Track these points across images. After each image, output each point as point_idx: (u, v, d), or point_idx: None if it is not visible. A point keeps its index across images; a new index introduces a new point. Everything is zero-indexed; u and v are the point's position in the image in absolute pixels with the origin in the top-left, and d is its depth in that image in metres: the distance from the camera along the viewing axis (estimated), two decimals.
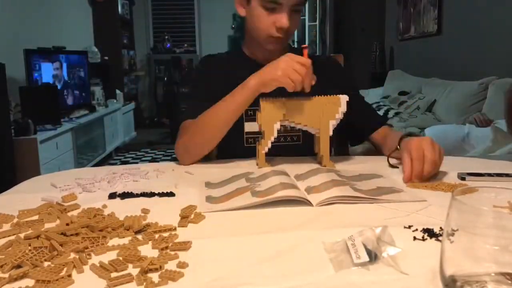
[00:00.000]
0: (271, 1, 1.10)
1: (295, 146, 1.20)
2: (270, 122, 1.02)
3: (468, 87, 3.36)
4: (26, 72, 3.56)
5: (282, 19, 1.11)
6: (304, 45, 1.10)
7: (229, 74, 1.19)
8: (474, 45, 3.62)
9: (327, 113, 1.02)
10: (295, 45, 6.88)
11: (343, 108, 1.02)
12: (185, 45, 7.46)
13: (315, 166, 0.98)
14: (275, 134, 1.03)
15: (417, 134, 1.09)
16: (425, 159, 0.91)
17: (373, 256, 0.54)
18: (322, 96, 1.04)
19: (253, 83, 1.05)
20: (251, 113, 1.18)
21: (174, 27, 7.43)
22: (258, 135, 1.19)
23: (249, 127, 1.19)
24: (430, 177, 0.92)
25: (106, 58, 5.42)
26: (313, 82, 1.02)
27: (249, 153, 1.14)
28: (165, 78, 6.75)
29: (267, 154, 1.05)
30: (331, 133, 1.04)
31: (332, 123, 1.03)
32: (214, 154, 1.24)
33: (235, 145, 1.19)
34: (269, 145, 1.03)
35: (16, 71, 3.51)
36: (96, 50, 5.30)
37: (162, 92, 6.75)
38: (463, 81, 3.51)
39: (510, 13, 3.14)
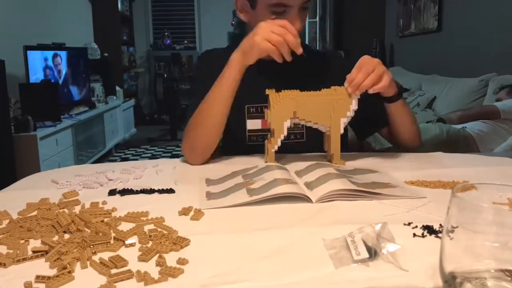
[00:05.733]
0: (280, 4, 1.05)
1: (300, 143, 1.19)
2: (280, 119, 1.00)
3: (468, 83, 3.36)
4: (26, 68, 3.56)
5: (296, 23, 1.05)
6: (272, 18, 1.04)
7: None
8: (474, 42, 3.61)
9: (338, 110, 1.01)
10: None
11: (354, 106, 1.01)
12: (185, 41, 7.46)
13: (314, 161, 0.97)
14: (285, 132, 1.01)
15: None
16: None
17: (372, 253, 0.54)
18: (332, 88, 1.02)
19: (235, 57, 1.04)
20: (253, 110, 1.18)
21: (174, 23, 7.42)
22: (261, 133, 1.18)
23: (252, 124, 1.18)
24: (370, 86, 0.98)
25: (106, 54, 5.42)
26: (299, 41, 0.98)
27: (252, 150, 1.13)
28: (165, 75, 6.74)
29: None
30: (342, 131, 1.02)
31: (343, 121, 1.01)
32: (216, 153, 1.24)
33: (237, 143, 1.18)
34: (279, 143, 1.01)
35: (15, 67, 3.50)
36: (95, 46, 5.29)
37: (162, 88, 6.74)
38: (463, 78, 3.50)
39: (510, 9, 3.14)
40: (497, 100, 2.83)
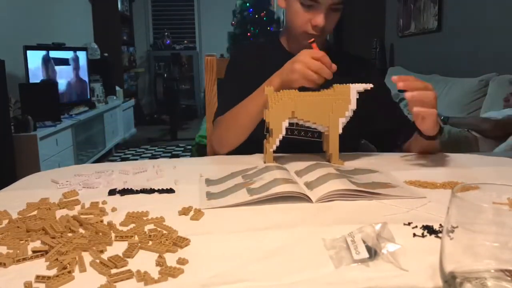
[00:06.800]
0: None
1: (315, 142, 1.18)
2: (279, 119, 1.00)
3: (468, 83, 3.36)
4: (26, 68, 3.56)
5: (318, 18, 1.12)
6: (310, 40, 1.09)
7: (263, 67, 1.17)
8: (474, 42, 3.61)
9: (336, 110, 1.01)
10: None
11: (353, 105, 1.01)
12: (185, 41, 7.47)
13: (314, 161, 0.97)
14: (283, 132, 1.01)
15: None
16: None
17: (372, 253, 0.54)
18: (331, 87, 1.03)
19: (274, 82, 1.06)
20: None
21: (174, 23, 7.43)
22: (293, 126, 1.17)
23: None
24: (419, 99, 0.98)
25: (106, 54, 5.42)
26: (334, 69, 1.01)
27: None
28: (165, 75, 6.75)
29: (280, 150, 1.04)
30: (340, 131, 1.02)
31: (342, 121, 1.01)
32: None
33: (257, 136, 1.15)
34: (277, 143, 1.01)
35: (15, 67, 3.50)
36: (96, 46, 5.29)
37: (162, 88, 6.74)
38: (463, 78, 3.50)
39: (510, 9, 3.14)
40: (505, 99, 2.78)
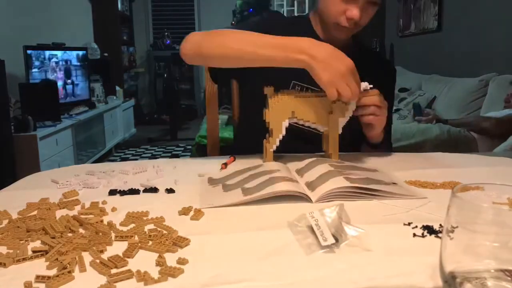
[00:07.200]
0: None
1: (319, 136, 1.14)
2: (279, 119, 1.01)
3: (468, 83, 3.36)
4: (26, 68, 3.56)
5: (354, 11, 1.06)
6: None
7: None
8: (474, 42, 3.61)
9: (336, 110, 1.01)
10: None
11: (353, 106, 1.01)
12: None
13: (313, 158, 0.97)
14: (283, 132, 1.01)
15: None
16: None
17: (338, 238, 0.58)
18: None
19: (299, 57, 0.94)
20: (298, 88, 1.15)
21: (174, 23, 7.42)
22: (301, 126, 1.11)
23: None
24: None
25: (106, 54, 5.42)
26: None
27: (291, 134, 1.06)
28: (165, 75, 6.74)
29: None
30: (340, 131, 1.02)
31: (342, 121, 1.01)
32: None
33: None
34: (277, 143, 1.01)
35: (15, 67, 3.50)
36: (95, 46, 5.29)
37: (162, 88, 6.74)
38: (463, 78, 3.51)
39: (510, 9, 3.14)
40: (506, 100, 2.78)
